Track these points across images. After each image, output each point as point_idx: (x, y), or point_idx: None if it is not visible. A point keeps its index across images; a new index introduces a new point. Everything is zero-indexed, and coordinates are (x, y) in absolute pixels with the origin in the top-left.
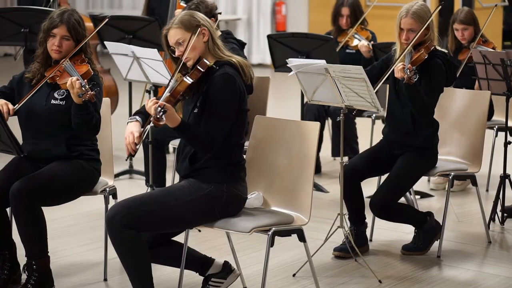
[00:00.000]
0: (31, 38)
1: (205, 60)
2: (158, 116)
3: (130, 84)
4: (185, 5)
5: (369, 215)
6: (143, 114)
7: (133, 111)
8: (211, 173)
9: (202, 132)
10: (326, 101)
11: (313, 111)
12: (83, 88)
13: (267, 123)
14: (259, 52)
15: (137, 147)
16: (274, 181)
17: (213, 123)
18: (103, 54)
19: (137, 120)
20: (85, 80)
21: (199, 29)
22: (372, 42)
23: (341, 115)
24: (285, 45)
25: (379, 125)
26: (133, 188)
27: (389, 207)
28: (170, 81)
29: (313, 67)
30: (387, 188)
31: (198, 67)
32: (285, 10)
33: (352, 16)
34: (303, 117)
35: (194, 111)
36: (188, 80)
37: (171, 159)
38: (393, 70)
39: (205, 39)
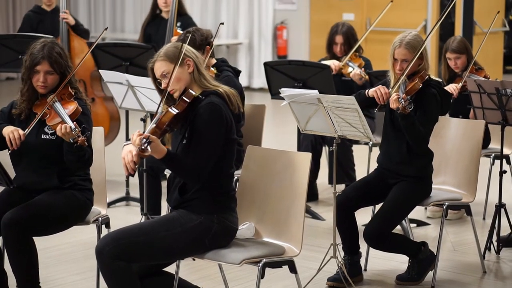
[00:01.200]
0: None
1: (190, 91)
2: (143, 147)
3: (127, 111)
4: (181, 32)
5: (363, 244)
6: None
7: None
8: (201, 203)
9: (189, 163)
10: (319, 131)
11: (309, 138)
12: (73, 133)
13: (259, 153)
14: (260, 77)
15: (136, 165)
16: (266, 211)
17: (199, 153)
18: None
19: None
20: (75, 123)
21: (184, 60)
22: (363, 69)
23: (334, 145)
24: (281, 73)
25: (376, 152)
26: (129, 216)
27: (383, 237)
28: (156, 113)
29: (306, 97)
30: (381, 218)
31: (184, 97)
32: (286, 35)
33: (346, 44)
34: (300, 144)
35: (183, 142)
36: (173, 110)
37: (164, 185)
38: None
39: (190, 70)
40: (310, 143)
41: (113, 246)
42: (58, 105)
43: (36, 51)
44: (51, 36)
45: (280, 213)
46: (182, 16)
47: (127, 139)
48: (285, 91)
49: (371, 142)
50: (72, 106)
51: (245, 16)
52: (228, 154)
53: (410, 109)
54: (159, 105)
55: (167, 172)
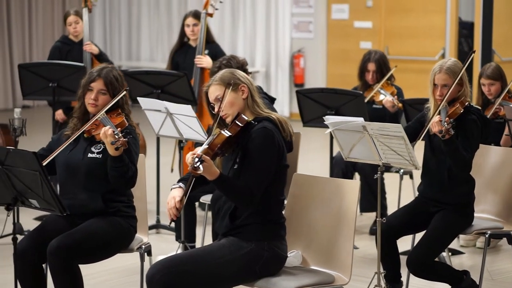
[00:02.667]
0: (59, 93)
1: (243, 116)
2: (195, 165)
3: (158, 138)
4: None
5: (403, 273)
6: (186, 180)
7: (161, 164)
8: (252, 230)
9: (241, 185)
10: (363, 158)
11: (340, 166)
12: (116, 136)
13: (305, 181)
14: (277, 105)
15: (179, 212)
16: (313, 239)
17: (252, 176)
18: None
19: (180, 187)
20: (119, 129)
21: (239, 86)
22: (396, 97)
23: (378, 172)
24: (314, 100)
25: (407, 180)
26: (161, 243)
27: (427, 265)
28: (208, 135)
29: (351, 124)
30: (424, 247)
31: (237, 121)
32: (303, 63)
33: (378, 71)
34: (331, 171)
35: (234, 167)
36: (226, 133)
37: (200, 214)
38: (429, 126)
39: (244, 96)
40: (341, 170)
41: (164, 274)
42: (105, 119)
43: (95, 71)
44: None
45: (328, 241)
46: (210, 43)
47: (158, 165)
48: (329, 118)
49: (402, 170)
50: (119, 120)
51: (262, 44)
52: (279, 181)
53: (453, 133)
54: (212, 128)
55: (204, 200)
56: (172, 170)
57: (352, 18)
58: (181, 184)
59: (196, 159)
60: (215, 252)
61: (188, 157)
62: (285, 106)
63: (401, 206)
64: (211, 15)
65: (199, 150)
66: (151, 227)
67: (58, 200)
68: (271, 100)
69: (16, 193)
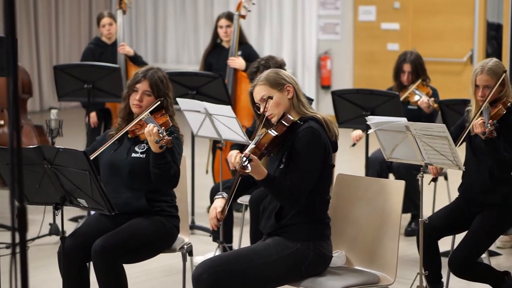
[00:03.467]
0: (94, 94)
1: (289, 116)
2: (243, 164)
3: (193, 138)
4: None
5: (443, 273)
6: (229, 188)
7: (196, 164)
8: (298, 230)
9: (288, 185)
10: (405, 158)
11: (375, 167)
12: (160, 135)
13: (349, 181)
14: None
15: (220, 223)
16: (357, 239)
17: (298, 175)
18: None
19: (223, 197)
20: (163, 128)
21: (284, 86)
22: (433, 99)
23: (421, 173)
24: (349, 101)
25: (441, 181)
26: (196, 244)
27: (469, 266)
28: (254, 136)
29: (394, 125)
30: (466, 247)
31: (283, 121)
32: (330, 65)
33: (414, 72)
34: (366, 172)
35: (280, 167)
36: (273, 133)
37: (235, 215)
38: (471, 127)
39: (290, 96)
40: (376, 171)
41: (210, 274)
42: (149, 118)
43: (141, 72)
44: (115, 66)
45: (372, 241)
46: (243, 45)
47: (192, 166)
48: (372, 119)
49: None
50: (163, 119)
51: (288, 46)
52: (324, 180)
53: (495, 135)
54: (257, 128)
55: (242, 201)
56: (207, 172)
57: (379, 20)
58: (224, 194)
59: (244, 158)
60: (261, 252)
61: (235, 156)
62: (313, 108)
63: (435, 207)
64: (243, 16)
65: (246, 149)
66: None
67: (107, 199)
68: (309, 100)
69: (65, 193)
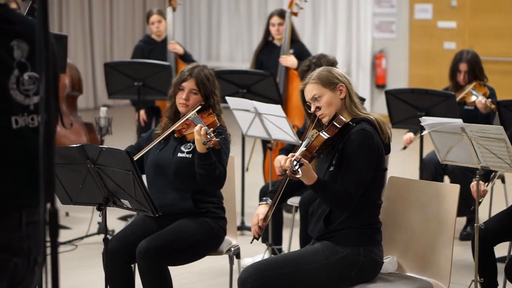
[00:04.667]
0: (144, 92)
1: (341, 117)
2: (294, 169)
3: (243, 137)
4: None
5: (499, 280)
6: (274, 192)
7: (245, 164)
8: (347, 235)
9: (339, 189)
10: (460, 161)
11: (430, 169)
12: (208, 136)
13: (402, 184)
14: None
15: (261, 230)
16: (410, 245)
17: (350, 180)
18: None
19: (267, 203)
20: (211, 129)
21: (337, 85)
22: (490, 99)
23: (477, 176)
24: (403, 101)
25: (498, 185)
26: (245, 245)
27: None
28: (304, 137)
29: (449, 126)
30: None
31: (335, 123)
32: (385, 64)
33: (470, 72)
34: (421, 174)
35: (330, 169)
36: (324, 135)
37: (285, 216)
38: None
39: (342, 96)
40: (431, 173)
41: (257, 278)
42: (196, 118)
43: (186, 70)
44: (166, 63)
45: (425, 247)
46: (295, 43)
47: (242, 165)
48: (426, 120)
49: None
50: (210, 119)
51: (343, 45)
52: (376, 184)
53: None
54: (308, 129)
55: (292, 203)
56: (247, 169)
57: (436, 18)
58: (268, 200)
59: (295, 162)
60: (310, 257)
61: (285, 160)
62: (366, 108)
63: (492, 211)
64: (296, 14)
65: (297, 152)
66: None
67: (151, 200)
68: (361, 100)
69: (108, 193)
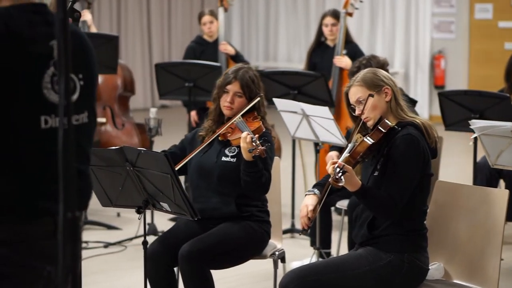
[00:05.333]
0: (195, 93)
1: (386, 121)
2: (336, 176)
3: (293, 140)
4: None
5: None
6: (321, 185)
7: (296, 166)
8: (391, 241)
9: (383, 196)
10: None
11: (484, 172)
12: (254, 143)
13: (449, 189)
14: (416, 107)
15: (311, 222)
16: (457, 251)
17: (395, 187)
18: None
19: (314, 194)
20: (256, 136)
21: (382, 88)
22: None
23: None
24: (457, 103)
25: None
26: (295, 248)
27: None
28: (348, 142)
29: (499, 129)
30: None
31: (379, 127)
32: (444, 64)
33: None
34: (475, 179)
35: (374, 174)
36: (369, 140)
37: (335, 218)
38: None
39: (388, 99)
40: (485, 176)
41: (298, 284)
42: (241, 123)
43: (231, 72)
44: (217, 64)
45: (473, 253)
46: (349, 43)
47: (293, 168)
48: (475, 123)
49: None
50: (256, 124)
51: (401, 45)
52: (422, 190)
53: None
54: (353, 133)
55: (341, 206)
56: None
57: (496, 18)
58: (315, 190)
59: (338, 169)
60: (352, 263)
61: (329, 167)
62: (424, 109)
63: None
64: (350, 14)
65: (340, 159)
66: (285, 231)
67: (190, 204)
68: (412, 102)
69: (147, 196)
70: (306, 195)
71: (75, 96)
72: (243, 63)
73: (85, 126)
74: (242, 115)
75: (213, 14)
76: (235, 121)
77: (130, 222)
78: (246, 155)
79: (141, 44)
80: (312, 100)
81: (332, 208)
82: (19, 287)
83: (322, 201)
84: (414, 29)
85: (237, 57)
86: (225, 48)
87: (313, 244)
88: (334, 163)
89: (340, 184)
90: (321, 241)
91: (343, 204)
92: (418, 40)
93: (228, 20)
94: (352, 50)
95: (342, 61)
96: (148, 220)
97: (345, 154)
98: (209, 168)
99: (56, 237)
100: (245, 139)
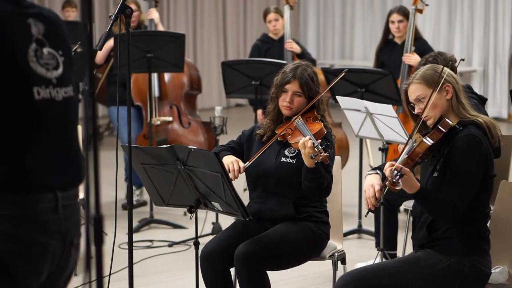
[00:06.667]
0: (261, 91)
1: (447, 120)
2: (394, 180)
3: (360, 139)
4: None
5: None
6: (382, 170)
7: (364, 166)
8: (452, 244)
9: (443, 199)
10: None
11: None
12: (316, 149)
13: None
14: (495, 106)
15: (378, 202)
16: None
17: (455, 189)
18: (334, 107)
19: (377, 173)
20: (318, 140)
21: (443, 85)
22: None
23: None
24: None
25: None
26: (362, 249)
27: None
28: (407, 142)
29: None
30: None
31: (440, 127)
32: None
33: None
34: None
35: (434, 175)
36: (428, 141)
37: (401, 218)
38: None
39: (449, 97)
40: None
41: (354, 286)
42: (301, 124)
43: (289, 70)
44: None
45: None
46: (417, 40)
47: (360, 168)
48: None
49: None
50: (317, 127)
51: (479, 43)
52: (485, 192)
53: None
54: (413, 132)
55: (406, 206)
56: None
57: None
58: (378, 171)
59: (395, 172)
60: (410, 266)
61: (387, 169)
62: (503, 108)
63: None
64: (420, 11)
65: (398, 160)
66: (352, 232)
67: (241, 204)
68: (482, 100)
69: (199, 195)
70: (367, 174)
71: (60, 71)
72: (303, 60)
73: (72, 98)
74: (302, 115)
75: (279, 11)
76: (295, 122)
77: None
78: (308, 162)
79: (217, 43)
80: (380, 98)
81: (402, 209)
82: (28, 263)
83: (386, 188)
84: (493, 26)
85: (303, 55)
86: (291, 46)
87: (377, 245)
88: (392, 165)
89: (398, 188)
90: (386, 242)
91: (408, 204)
92: (497, 38)
93: (304, 19)
94: (421, 46)
95: (412, 58)
96: (213, 219)
97: (403, 155)
98: (267, 169)
99: (58, 212)
100: (306, 143)
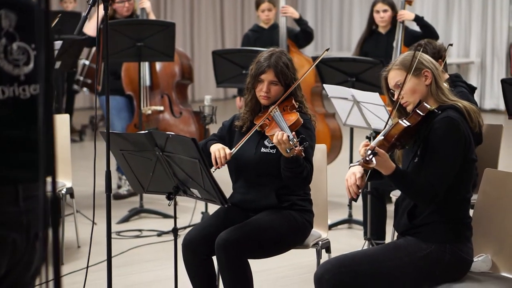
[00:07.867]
0: None
1: (425, 104)
2: (367, 158)
3: (351, 128)
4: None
5: None
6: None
7: (354, 156)
8: (432, 230)
9: (421, 181)
10: None
11: None
12: (291, 142)
13: (498, 178)
14: (492, 97)
15: (360, 190)
16: (505, 242)
17: (433, 171)
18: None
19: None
20: (293, 133)
21: (422, 71)
22: None
23: None
24: None
25: None
26: (351, 239)
27: None
28: (385, 126)
29: None
30: None
31: (417, 110)
32: None
33: None
34: None
35: (414, 160)
36: (404, 123)
37: (391, 208)
38: None
39: (428, 82)
40: None
41: (334, 274)
42: (278, 115)
43: (263, 59)
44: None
45: None
46: (407, 30)
47: (351, 158)
48: None
49: None
50: (293, 117)
51: (477, 34)
52: (465, 176)
53: None
54: (389, 117)
55: (394, 195)
56: None
57: None
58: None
59: (369, 152)
60: (391, 253)
61: (361, 149)
62: (501, 99)
63: None
64: (410, 2)
65: (373, 141)
66: (342, 222)
67: (219, 190)
68: (472, 89)
69: (178, 182)
70: (351, 166)
71: (30, 66)
72: (306, 28)
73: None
74: (279, 104)
75: (272, 1)
76: (271, 113)
77: (186, 211)
78: (284, 154)
79: (214, 33)
80: (370, 88)
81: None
82: None
83: (368, 175)
84: (491, 17)
85: (300, 21)
86: (286, 11)
87: (365, 234)
88: (367, 145)
89: (371, 166)
90: (374, 231)
91: (397, 193)
92: (494, 29)
93: (302, 10)
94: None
95: (405, 13)
96: (202, 209)
97: (379, 137)
98: (248, 160)
99: (19, 204)
100: (281, 139)
